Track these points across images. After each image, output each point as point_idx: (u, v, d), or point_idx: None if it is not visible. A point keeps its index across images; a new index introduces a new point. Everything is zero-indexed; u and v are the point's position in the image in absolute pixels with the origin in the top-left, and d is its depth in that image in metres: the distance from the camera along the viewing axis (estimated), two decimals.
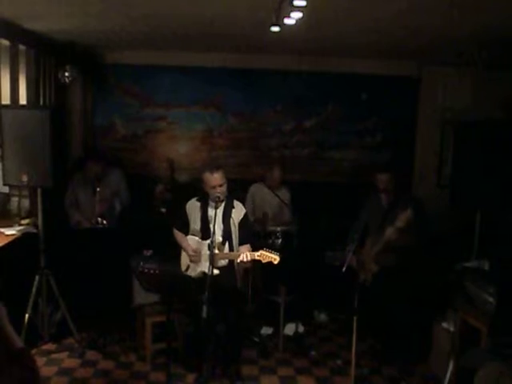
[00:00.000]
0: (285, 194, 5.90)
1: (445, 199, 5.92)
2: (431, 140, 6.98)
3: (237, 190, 4.83)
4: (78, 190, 5.74)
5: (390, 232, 4.71)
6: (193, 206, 4.41)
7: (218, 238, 4.24)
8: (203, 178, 4.26)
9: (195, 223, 4.38)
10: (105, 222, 5.50)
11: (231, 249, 4.31)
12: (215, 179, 4.20)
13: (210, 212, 4.26)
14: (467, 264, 4.54)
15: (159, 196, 5.91)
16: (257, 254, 4.08)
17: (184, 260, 4.46)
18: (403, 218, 4.59)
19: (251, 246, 4.31)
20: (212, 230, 4.08)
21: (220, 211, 4.31)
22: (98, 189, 5.53)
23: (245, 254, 4.09)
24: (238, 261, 4.13)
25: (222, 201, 4.28)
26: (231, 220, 4.31)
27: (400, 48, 5.76)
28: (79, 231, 5.59)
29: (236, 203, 4.40)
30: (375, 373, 4.79)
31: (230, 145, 6.99)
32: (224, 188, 4.23)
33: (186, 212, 4.44)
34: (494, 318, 3.85)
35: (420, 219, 4.75)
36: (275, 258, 4.04)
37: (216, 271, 4.10)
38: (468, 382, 3.31)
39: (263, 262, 4.09)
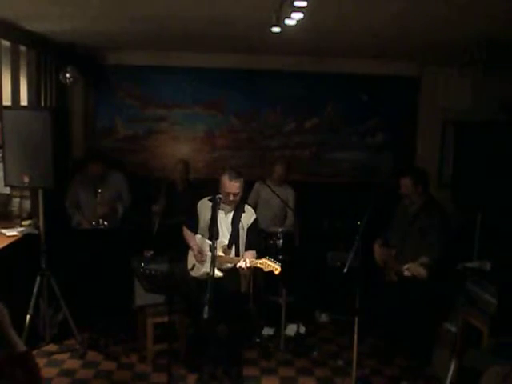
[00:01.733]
0: (288, 193, 5.91)
1: (446, 199, 5.94)
2: (432, 140, 6.98)
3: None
4: (78, 191, 5.74)
5: (406, 273, 4.54)
6: (204, 205, 4.40)
7: (224, 240, 4.25)
8: (221, 179, 4.24)
9: (204, 223, 4.38)
10: (106, 223, 5.50)
11: (237, 253, 4.30)
12: (231, 187, 4.19)
13: (219, 214, 4.26)
14: (469, 264, 4.53)
15: (157, 214, 5.91)
16: (259, 262, 4.08)
17: (191, 259, 4.46)
18: (420, 272, 4.46)
19: (257, 253, 4.30)
20: (215, 231, 4.10)
21: (230, 214, 4.32)
22: (99, 190, 5.53)
23: (245, 261, 4.08)
24: (237, 266, 4.11)
25: (229, 205, 4.29)
26: (240, 224, 4.31)
27: (400, 49, 5.76)
28: (80, 232, 5.59)
29: (247, 208, 4.40)
30: (376, 373, 4.79)
31: (231, 145, 6.99)
32: (238, 197, 4.24)
33: (197, 211, 4.44)
34: (495, 318, 3.85)
35: (443, 235, 4.69)
36: (276, 268, 4.05)
37: (220, 274, 4.11)
38: (470, 382, 3.31)
39: (265, 270, 4.09)
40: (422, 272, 4.44)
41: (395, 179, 4.92)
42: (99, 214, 5.53)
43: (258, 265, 4.08)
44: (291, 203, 5.88)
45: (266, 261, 4.07)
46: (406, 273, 4.52)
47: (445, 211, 4.85)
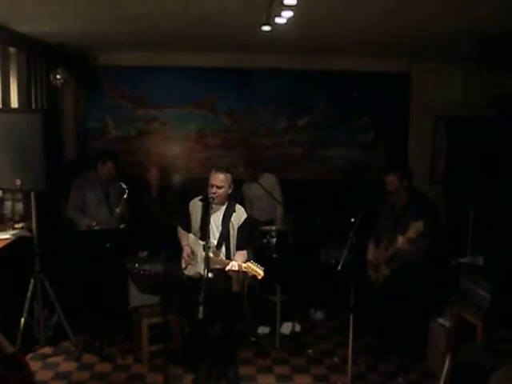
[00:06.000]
0: (270, 181, 6.00)
1: (438, 195, 5.97)
2: (424, 136, 7.01)
3: (239, 192, 4.80)
4: (85, 193, 5.52)
5: (401, 241, 4.66)
6: (195, 205, 4.39)
7: (213, 241, 4.21)
8: (210, 174, 4.29)
9: (196, 222, 4.36)
10: (123, 224, 5.48)
11: (228, 253, 4.28)
12: (215, 178, 4.20)
13: (210, 213, 4.24)
14: (462, 260, 4.56)
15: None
16: (244, 266, 4.06)
17: None
18: (415, 229, 4.53)
19: (249, 253, 4.28)
20: (208, 231, 4.09)
21: (220, 214, 4.30)
22: (126, 191, 5.36)
23: (233, 264, 4.07)
24: (227, 269, 4.10)
25: (218, 204, 4.26)
26: (230, 224, 4.28)
27: (390, 45, 5.78)
28: (73, 234, 5.53)
29: (238, 207, 4.37)
30: (372, 370, 4.81)
31: (223, 144, 6.99)
32: (221, 191, 4.19)
33: (188, 211, 4.42)
34: (488, 313, 3.87)
35: (434, 224, 4.74)
36: (259, 273, 4.02)
37: (210, 274, 4.07)
38: (464, 377, 3.33)
39: (249, 274, 4.09)
40: (413, 232, 4.53)
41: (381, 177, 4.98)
42: (124, 214, 5.48)
43: (243, 268, 4.06)
44: (276, 191, 5.94)
45: (251, 265, 4.05)
46: (400, 241, 4.61)
47: (433, 202, 4.91)
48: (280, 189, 6.04)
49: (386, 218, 5.03)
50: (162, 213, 5.74)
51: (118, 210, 5.42)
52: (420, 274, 4.74)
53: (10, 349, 2.48)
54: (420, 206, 4.80)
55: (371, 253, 5.05)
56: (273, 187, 5.94)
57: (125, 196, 5.38)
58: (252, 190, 6.04)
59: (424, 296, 4.77)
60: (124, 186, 5.35)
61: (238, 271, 4.09)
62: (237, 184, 4.70)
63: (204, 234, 4.17)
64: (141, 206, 5.91)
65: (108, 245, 5.02)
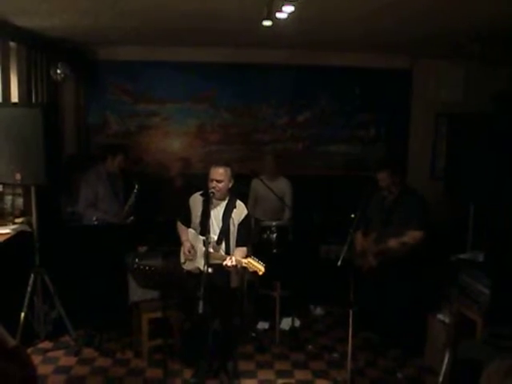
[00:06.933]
0: (284, 186, 5.92)
1: (438, 191, 5.96)
2: (425, 132, 7.01)
3: (241, 187, 4.74)
4: (97, 188, 5.50)
5: (393, 243, 4.73)
6: (196, 200, 4.39)
7: (214, 237, 4.21)
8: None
9: (196, 217, 4.35)
10: (132, 217, 5.54)
11: (228, 249, 4.27)
12: (214, 173, 4.19)
13: (210, 209, 4.24)
14: (462, 256, 4.56)
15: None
16: (244, 262, 4.04)
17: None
18: (412, 237, 4.63)
19: (248, 250, 4.28)
20: (208, 226, 4.09)
21: (221, 209, 4.29)
22: (136, 186, 5.45)
23: (230, 259, 4.05)
24: (224, 264, 4.07)
25: (219, 199, 4.26)
26: (231, 220, 4.27)
27: (393, 41, 5.76)
28: (73, 229, 5.53)
29: (238, 203, 4.35)
30: (371, 365, 4.81)
31: (223, 140, 6.98)
32: (221, 185, 4.18)
33: (189, 205, 4.42)
34: (488, 308, 3.87)
35: (425, 219, 4.76)
36: (260, 269, 4.01)
37: (209, 269, 4.07)
38: (463, 373, 3.33)
39: (250, 270, 4.08)
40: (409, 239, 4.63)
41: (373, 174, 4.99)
42: (129, 209, 5.54)
43: (244, 264, 4.04)
44: (288, 197, 5.87)
45: (251, 261, 4.03)
46: (393, 243, 4.70)
47: (422, 197, 4.91)
48: (292, 192, 5.95)
49: (376, 210, 5.03)
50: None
51: (126, 208, 5.54)
52: (407, 271, 4.75)
53: (12, 342, 2.48)
54: (410, 204, 4.80)
55: (359, 242, 5.06)
56: (285, 191, 5.88)
57: (134, 191, 5.47)
58: (260, 188, 5.90)
59: (413, 293, 4.78)
60: (135, 184, 5.47)
61: (235, 266, 4.08)
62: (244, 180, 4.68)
63: (204, 229, 4.16)
64: (159, 202, 5.91)
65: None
